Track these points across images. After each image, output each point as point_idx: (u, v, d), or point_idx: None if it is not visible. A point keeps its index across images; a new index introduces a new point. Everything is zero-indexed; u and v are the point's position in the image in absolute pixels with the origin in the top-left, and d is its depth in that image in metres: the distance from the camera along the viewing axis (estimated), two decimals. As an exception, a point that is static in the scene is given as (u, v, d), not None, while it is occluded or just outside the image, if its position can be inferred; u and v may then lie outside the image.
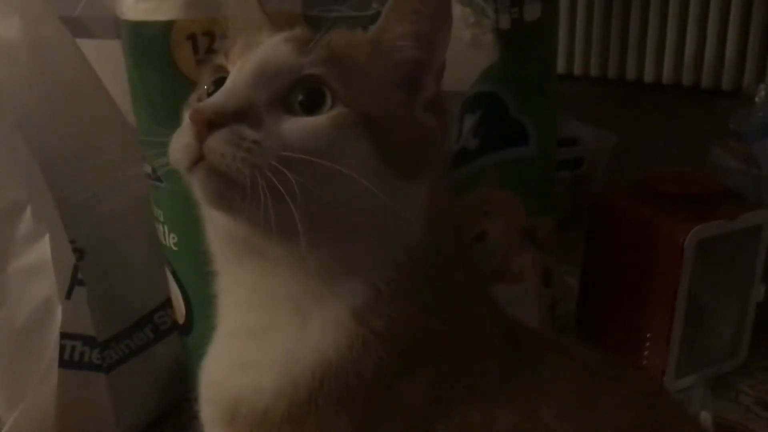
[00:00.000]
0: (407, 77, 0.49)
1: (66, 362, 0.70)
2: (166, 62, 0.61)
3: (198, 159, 0.43)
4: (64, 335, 0.69)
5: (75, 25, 0.86)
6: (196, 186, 0.44)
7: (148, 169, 0.67)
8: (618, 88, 1.86)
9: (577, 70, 1.91)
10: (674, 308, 0.79)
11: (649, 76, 1.84)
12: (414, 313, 0.48)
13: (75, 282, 0.70)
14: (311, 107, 0.45)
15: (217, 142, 0.42)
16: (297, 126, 0.44)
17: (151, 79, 0.63)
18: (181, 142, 0.44)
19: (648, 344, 0.83)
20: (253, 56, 0.46)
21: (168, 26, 0.60)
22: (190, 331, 0.71)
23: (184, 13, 0.60)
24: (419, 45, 0.48)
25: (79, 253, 0.74)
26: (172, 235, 0.68)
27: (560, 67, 1.88)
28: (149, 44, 0.62)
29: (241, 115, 0.43)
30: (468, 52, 0.71)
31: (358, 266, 0.48)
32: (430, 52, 0.48)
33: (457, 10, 0.68)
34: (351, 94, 0.45)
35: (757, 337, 0.88)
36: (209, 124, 0.42)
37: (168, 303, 0.77)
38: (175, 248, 0.68)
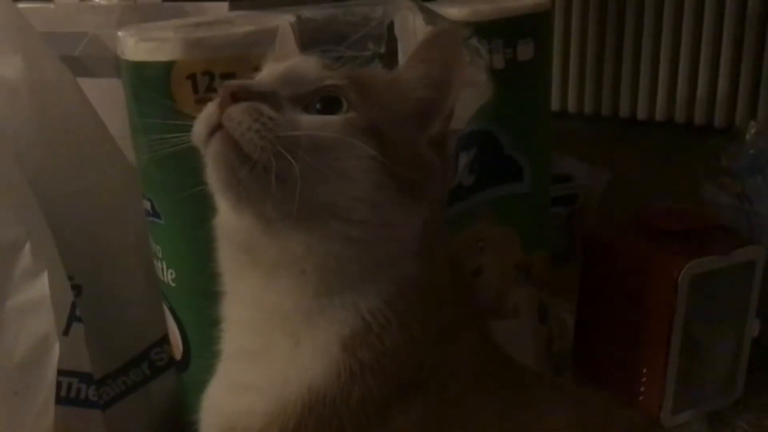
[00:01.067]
0: (418, 114, 0.52)
1: (62, 399, 0.70)
2: (166, 101, 0.62)
3: (216, 128, 0.46)
4: (60, 372, 0.69)
5: (75, 65, 0.87)
6: (210, 158, 0.47)
7: (147, 205, 0.68)
8: (611, 125, 1.87)
9: (571, 107, 1.94)
10: (669, 344, 0.80)
11: (642, 114, 1.86)
12: (403, 346, 0.49)
13: (73, 318, 0.70)
14: (327, 111, 0.49)
15: (236, 110, 0.45)
16: (311, 118, 0.48)
17: (151, 117, 0.64)
18: (204, 113, 0.47)
19: (644, 380, 0.83)
20: (284, 63, 0.52)
21: (168, 66, 0.62)
22: (187, 368, 0.71)
23: (184, 53, 0.61)
24: (433, 87, 0.52)
25: (77, 289, 0.74)
26: (170, 271, 0.68)
27: (554, 104, 1.90)
28: (150, 84, 0.63)
29: (263, 96, 0.47)
30: (463, 92, 0.72)
31: (348, 288, 0.49)
32: (442, 95, 0.52)
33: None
34: (365, 108, 0.49)
35: (753, 372, 0.88)
36: (233, 95, 0.46)
37: (165, 339, 0.77)
38: (173, 284, 0.68)
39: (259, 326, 0.52)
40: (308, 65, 0.51)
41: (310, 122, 0.47)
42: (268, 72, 0.52)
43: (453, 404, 0.50)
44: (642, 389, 0.83)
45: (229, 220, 0.51)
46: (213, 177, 0.48)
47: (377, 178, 0.48)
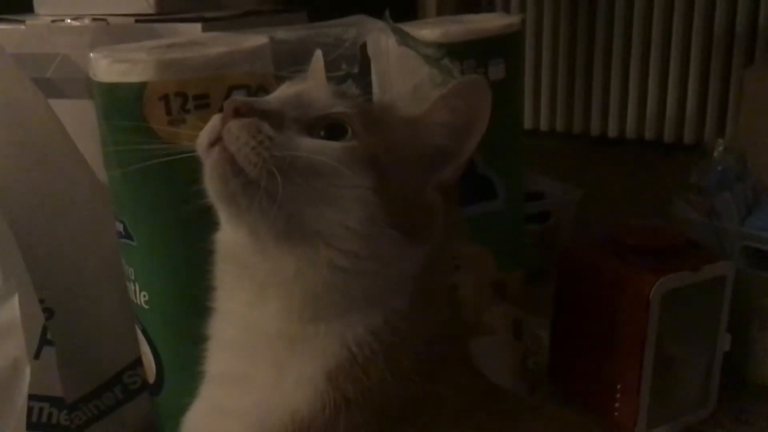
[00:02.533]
0: (432, 158, 0.52)
1: (33, 424, 0.69)
2: (139, 122, 0.62)
3: (216, 140, 0.47)
4: (31, 397, 0.68)
5: (47, 86, 0.87)
6: (207, 168, 0.48)
7: (119, 227, 0.67)
8: (583, 143, 1.90)
9: (543, 126, 1.96)
10: (643, 359, 0.80)
11: (612, 132, 1.89)
12: (390, 380, 0.49)
13: (44, 342, 0.69)
14: (330, 138, 0.49)
15: (236, 125, 0.47)
16: (311, 142, 0.48)
17: (124, 138, 0.64)
18: (209, 125, 0.49)
19: (619, 395, 0.83)
20: (299, 86, 0.53)
21: (141, 87, 0.61)
22: (161, 391, 0.70)
23: (156, 74, 0.61)
24: (453, 135, 0.52)
25: (48, 312, 0.73)
26: (143, 294, 0.68)
27: (527, 123, 1.93)
28: (122, 105, 0.63)
29: (266, 114, 0.48)
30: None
31: (335, 317, 0.49)
32: (460, 144, 0.52)
33: (425, 70, 0.70)
34: (370, 139, 0.49)
35: (725, 386, 0.89)
36: (236, 111, 0.47)
37: (138, 362, 0.76)
38: (146, 306, 0.68)
39: (243, 349, 0.52)
40: (320, 91, 0.52)
41: (308, 145, 0.48)
42: (281, 92, 0.53)
43: None
44: (617, 405, 0.83)
45: (227, 233, 0.52)
46: (208, 187, 0.49)
47: (370, 210, 0.48)
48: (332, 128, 0.49)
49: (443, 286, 0.55)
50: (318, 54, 0.63)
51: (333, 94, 0.52)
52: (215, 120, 0.48)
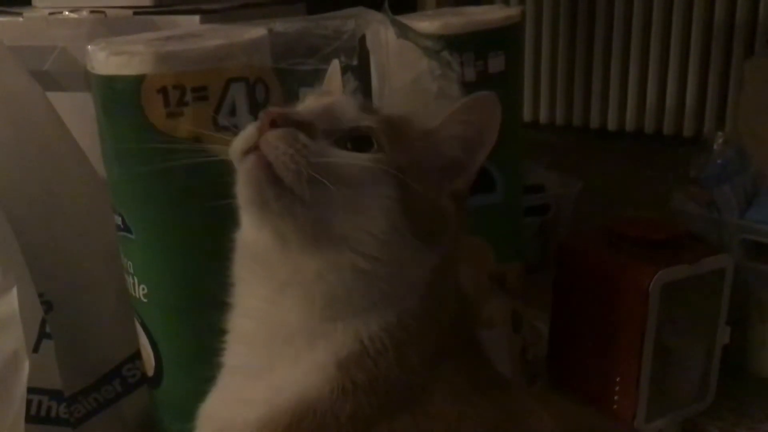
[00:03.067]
0: (446, 169, 0.55)
1: (32, 417, 0.69)
2: (137, 115, 0.62)
3: (252, 148, 0.49)
4: (30, 390, 0.68)
5: (45, 79, 0.87)
6: (242, 174, 0.50)
7: (118, 220, 0.67)
8: (583, 136, 1.90)
9: (542, 118, 1.96)
10: (642, 352, 0.80)
11: (612, 124, 1.88)
12: (397, 370, 0.51)
13: (43, 335, 0.69)
14: (357, 150, 0.52)
15: (274, 135, 0.49)
16: (343, 152, 0.51)
17: (122, 131, 0.64)
18: (244, 132, 0.51)
19: (618, 388, 0.83)
20: (326, 99, 0.56)
21: (139, 80, 0.61)
22: (160, 384, 0.70)
23: (155, 67, 0.61)
24: (466, 148, 0.55)
25: (47, 305, 0.73)
26: (141, 287, 0.67)
27: (526, 115, 1.92)
28: (120, 98, 0.62)
29: (300, 124, 0.50)
30: (436, 103, 0.72)
31: (352, 316, 0.51)
32: (472, 156, 0.55)
33: (424, 62, 0.70)
34: (394, 152, 0.52)
35: (724, 379, 0.89)
36: (273, 122, 0.49)
37: (137, 355, 0.76)
38: (144, 300, 0.68)
39: (262, 342, 0.54)
40: (347, 105, 0.54)
41: (340, 153, 0.50)
42: (309, 104, 0.55)
43: (441, 420, 0.51)
44: (615, 397, 0.83)
45: (249, 233, 0.53)
46: (241, 193, 0.50)
47: (395, 218, 0.50)
48: (359, 141, 0.52)
49: (451, 285, 0.57)
50: (335, 63, 0.65)
51: (359, 108, 0.54)
52: (251, 129, 0.50)
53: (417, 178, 0.52)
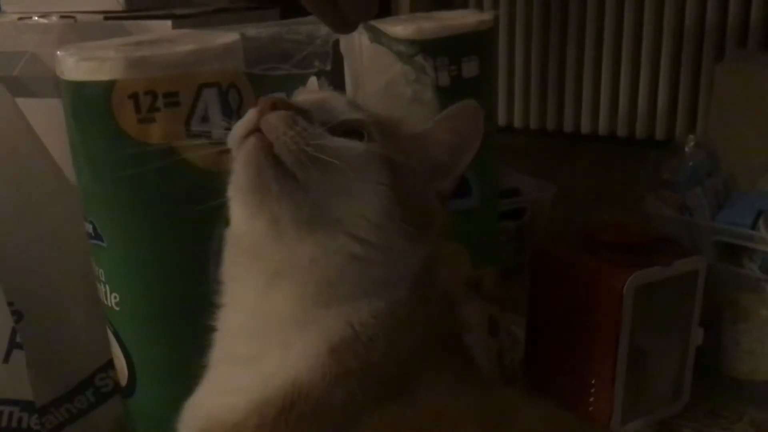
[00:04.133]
0: (432, 171, 0.58)
1: (3, 429, 0.68)
2: (108, 121, 0.61)
3: (253, 131, 0.50)
4: (1, 401, 0.67)
5: (14, 84, 0.85)
6: (241, 157, 0.50)
7: (89, 228, 0.66)
8: (556, 140, 1.91)
9: (516, 122, 1.97)
10: (617, 354, 0.81)
11: (585, 128, 1.90)
12: (388, 361, 0.52)
13: (13, 345, 0.68)
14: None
15: (275, 117, 0.50)
16: (339, 139, 0.52)
17: (93, 137, 0.63)
18: (244, 118, 0.52)
19: (593, 390, 0.84)
20: (317, 96, 0.58)
21: (109, 86, 0.60)
22: (133, 393, 0.70)
23: (125, 72, 0.60)
24: (452, 153, 0.58)
25: (17, 315, 0.72)
26: (113, 295, 0.67)
27: (501, 119, 1.93)
28: (90, 104, 0.62)
29: (299, 111, 0.52)
30: (410, 108, 0.72)
31: (343, 302, 0.52)
32: (457, 160, 0.58)
33: (398, 67, 0.70)
34: (384, 143, 0.54)
35: (698, 380, 0.90)
36: (273, 105, 0.51)
37: (109, 365, 0.75)
38: (117, 308, 0.67)
39: (254, 333, 0.54)
40: (337, 101, 0.56)
41: (337, 140, 0.52)
42: (302, 98, 0.57)
43: (428, 411, 0.52)
44: (591, 399, 0.84)
45: (240, 226, 0.54)
46: (240, 177, 0.51)
47: (388, 204, 0.52)
48: (350, 133, 0.53)
49: (436, 282, 0.58)
50: (312, 80, 0.66)
51: (348, 104, 0.56)
52: (251, 112, 0.51)
53: (407, 172, 0.54)
